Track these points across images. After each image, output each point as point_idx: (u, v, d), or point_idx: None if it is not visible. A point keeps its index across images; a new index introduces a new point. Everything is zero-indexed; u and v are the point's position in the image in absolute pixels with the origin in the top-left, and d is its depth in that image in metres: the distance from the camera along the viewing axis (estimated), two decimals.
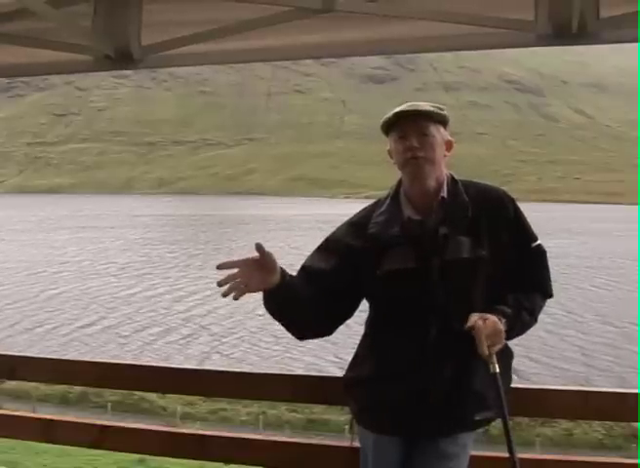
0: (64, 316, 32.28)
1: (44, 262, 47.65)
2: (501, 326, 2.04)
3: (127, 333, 29.50)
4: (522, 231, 2.19)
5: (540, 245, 2.21)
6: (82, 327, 30.33)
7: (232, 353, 26.73)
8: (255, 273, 2.04)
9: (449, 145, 2.22)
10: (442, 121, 2.20)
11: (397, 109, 2.18)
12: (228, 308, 33.43)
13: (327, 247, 2.26)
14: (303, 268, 2.22)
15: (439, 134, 2.18)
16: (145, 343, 28.05)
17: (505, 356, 2.18)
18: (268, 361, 24.87)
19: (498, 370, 2.02)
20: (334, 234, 2.29)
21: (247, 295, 2.05)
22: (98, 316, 32.46)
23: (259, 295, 2.12)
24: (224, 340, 28.72)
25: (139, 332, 29.88)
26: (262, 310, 2.19)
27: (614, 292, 37.57)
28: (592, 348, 26.53)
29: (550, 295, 2.23)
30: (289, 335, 2.26)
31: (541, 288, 2.21)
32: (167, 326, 30.91)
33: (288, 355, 26.01)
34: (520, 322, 2.12)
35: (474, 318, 2.03)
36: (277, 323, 2.20)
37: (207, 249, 56.68)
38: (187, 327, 30.85)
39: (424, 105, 2.18)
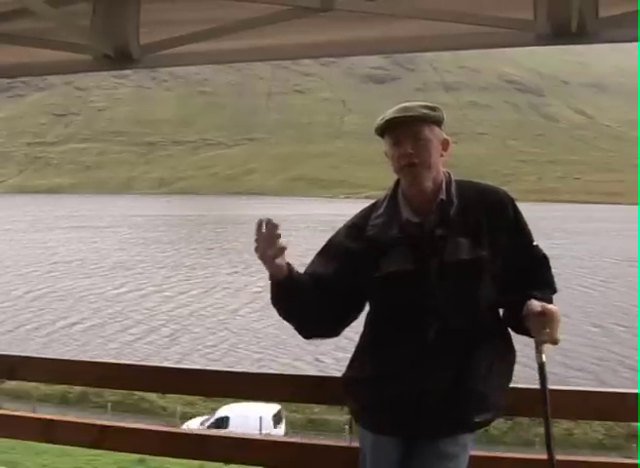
0: (28, 316, 32.33)
1: (28, 262, 47.80)
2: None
3: (89, 333, 29.58)
4: (522, 232, 2.19)
5: (537, 245, 2.21)
6: (34, 328, 30.29)
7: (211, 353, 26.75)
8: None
9: (445, 145, 2.20)
10: (436, 121, 2.17)
11: (389, 114, 2.15)
12: (191, 308, 33.76)
13: (327, 251, 2.26)
14: (305, 274, 2.22)
15: (434, 135, 2.15)
16: (115, 343, 28.10)
17: (511, 355, 2.19)
18: (245, 361, 24.87)
19: (544, 359, 2.04)
20: (333, 238, 2.28)
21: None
22: (56, 316, 32.60)
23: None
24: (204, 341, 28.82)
25: (99, 328, 30.01)
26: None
27: (591, 293, 37.60)
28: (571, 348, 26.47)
29: (555, 291, 2.23)
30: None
31: (550, 285, 2.21)
32: (129, 325, 31.12)
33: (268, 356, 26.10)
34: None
35: (539, 304, 2.04)
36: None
37: (183, 249, 57.15)
38: (165, 327, 30.99)
39: (416, 108, 2.15)
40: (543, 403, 2.02)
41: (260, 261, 2.08)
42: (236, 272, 45.22)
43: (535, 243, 2.20)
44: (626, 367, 24.72)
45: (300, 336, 2.28)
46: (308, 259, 2.27)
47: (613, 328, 30.48)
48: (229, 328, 30.35)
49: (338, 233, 2.28)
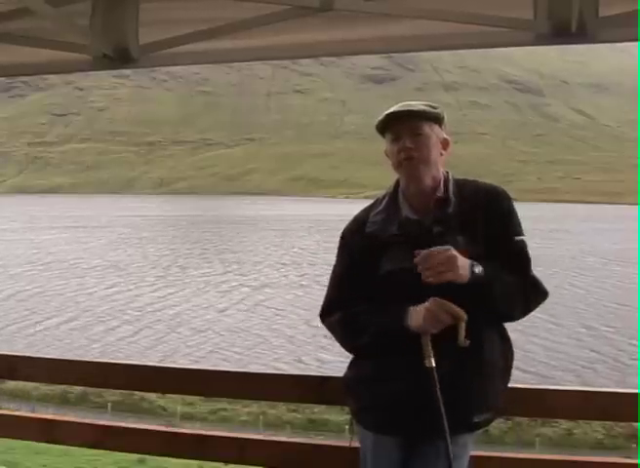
0: (14, 316, 32.19)
1: (19, 262, 47.88)
2: (453, 252, 2.00)
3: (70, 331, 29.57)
4: (510, 226, 2.16)
5: (523, 240, 2.17)
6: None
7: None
8: None
9: (445, 144, 2.21)
10: (436, 119, 2.18)
11: (389, 110, 2.18)
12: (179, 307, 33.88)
13: (348, 262, 2.27)
14: (358, 299, 2.19)
15: (433, 132, 2.17)
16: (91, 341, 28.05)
17: (509, 355, 2.19)
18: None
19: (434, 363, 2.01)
20: (344, 245, 2.28)
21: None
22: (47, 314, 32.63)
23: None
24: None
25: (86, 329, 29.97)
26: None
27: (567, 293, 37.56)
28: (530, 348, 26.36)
29: (535, 284, 2.16)
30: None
31: (524, 274, 2.15)
32: (114, 323, 31.09)
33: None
34: (496, 276, 2.06)
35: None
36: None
37: (177, 249, 57.36)
38: (132, 324, 31.03)
39: (417, 104, 2.17)
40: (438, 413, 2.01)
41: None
42: (229, 272, 45.38)
43: (519, 237, 2.15)
44: (609, 367, 24.71)
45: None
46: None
47: (598, 327, 30.43)
48: (213, 328, 30.42)
49: (344, 235, 2.28)
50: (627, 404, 2.34)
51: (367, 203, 2.34)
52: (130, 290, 38.97)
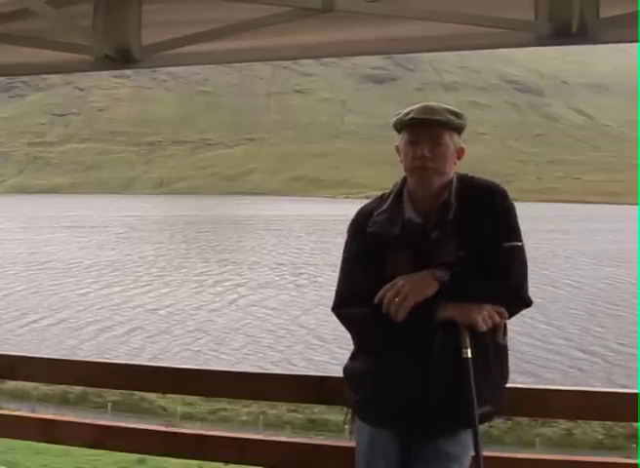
0: None
1: (8, 261, 47.81)
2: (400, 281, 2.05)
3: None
4: (502, 228, 2.11)
5: (514, 246, 2.10)
6: None
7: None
8: None
9: (460, 153, 2.20)
10: (458, 129, 2.17)
11: (413, 112, 2.14)
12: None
13: (353, 244, 2.26)
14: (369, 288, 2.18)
15: (452, 142, 2.15)
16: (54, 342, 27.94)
17: (504, 350, 2.18)
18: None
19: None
20: (352, 229, 2.27)
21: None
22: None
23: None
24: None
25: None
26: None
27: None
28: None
29: (518, 292, 2.12)
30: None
31: (505, 281, 2.10)
32: (84, 325, 30.97)
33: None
34: (471, 280, 2.05)
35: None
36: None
37: (168, 248, 57.37)
38: (101, 324, 31.00)
39: (442, 112, 2.13)
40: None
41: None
42: (209, 271, 45.33)
43: (509, 243, 2.10)
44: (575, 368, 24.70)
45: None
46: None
47: (570, 328, 30.36)
48: (185, 327, 30.41)
49: (352, 228, 2.26)
50: (627, 404, 2.34)
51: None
52: (103, 288, 38.90)
